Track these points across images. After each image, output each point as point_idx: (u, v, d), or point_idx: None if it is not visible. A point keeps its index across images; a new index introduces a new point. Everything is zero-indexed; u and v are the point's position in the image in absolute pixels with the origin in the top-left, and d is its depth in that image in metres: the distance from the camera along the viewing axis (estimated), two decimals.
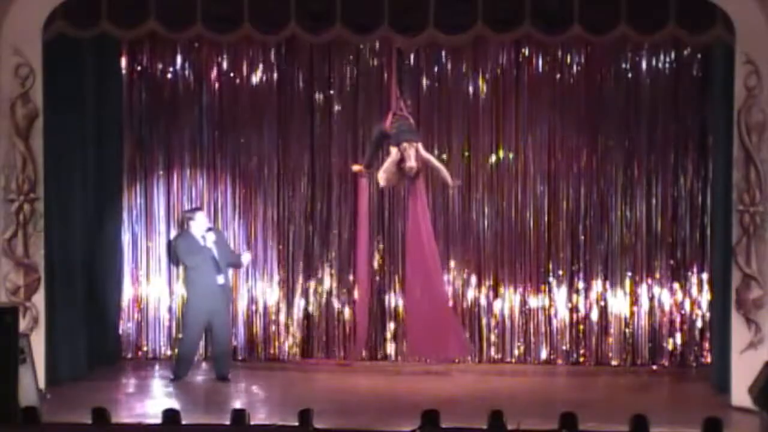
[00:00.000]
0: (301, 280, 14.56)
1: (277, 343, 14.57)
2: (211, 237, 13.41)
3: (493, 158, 14.38)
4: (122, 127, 14.37)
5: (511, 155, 14.34)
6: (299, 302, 14.56)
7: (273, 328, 14.56)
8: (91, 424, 9.07)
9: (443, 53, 14.32)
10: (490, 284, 14.41)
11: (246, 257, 13.84)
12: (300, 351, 14.54)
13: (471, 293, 14.44)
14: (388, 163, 13.27)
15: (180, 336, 13.82)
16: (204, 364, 13.86)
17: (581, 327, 14.36)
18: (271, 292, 14.56)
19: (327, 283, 14.54)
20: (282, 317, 14.57)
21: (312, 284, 14.56)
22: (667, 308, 14.24)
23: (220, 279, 13.31)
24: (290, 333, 14.57)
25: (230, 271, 13.91)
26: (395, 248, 14.42)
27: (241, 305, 14.51)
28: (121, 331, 14.51)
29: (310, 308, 14.56)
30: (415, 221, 13.57)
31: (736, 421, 11.21)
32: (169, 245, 14.01)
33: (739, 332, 12.07)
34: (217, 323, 13.38)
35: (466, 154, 14.43)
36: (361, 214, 13.90)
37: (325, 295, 14.55)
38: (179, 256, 13.48)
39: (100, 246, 13.98)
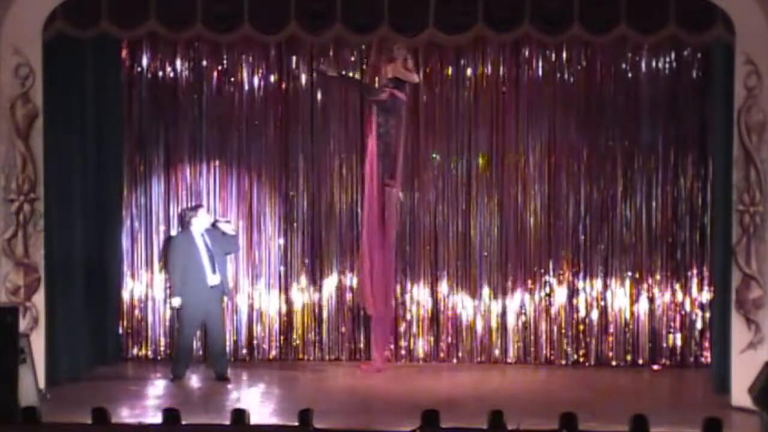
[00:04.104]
0: (302, 279, 14.56)
1: (277, 343, 14.57)
2: (227, 227, 13.46)
3: (493, 159, 14.42)
4: (122, 127, 14.38)
5: (510, 157, 14.36)
6: (300, 302, 14.56)
7: (274, 327, 14.57)
8: (91, 424, 9.07)
9: (443, 53, 14.32)
10: (491, 284, 14.41)
11: (227, 227, 13.67)
12: (300, 351, 14.55)
13: (471, 293, 14.43)
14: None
15: (177, 335, 13.86)
16: (203, 365, 13.84)
17: (581, 327, 14.36)
18: (273, 291, 14.56)
19: (329, 282, 14.54)
20: (283, 317, 14.57)
21: (314, 283, 14.56)
22: (667, 308, 14.25)
23: (213, 280, 13.30)
24: (291, 332, 14.57)
25: (229, 270, 13.95)
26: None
27: (242, 305, 14.52)
28: (121, 331, 14.52)
29: (312, 308, 14.56)
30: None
31: (736, 421, 11.22)
32: (167, 242, 14.01)
33: (739, 332, 12.07)
34: (211, 323, 13.41)
35: (466, 154, 14.44)
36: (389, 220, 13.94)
37: (327, 295, 14.54)
38: (170, 256, 13.51)
39: (100, 246, 13.98)
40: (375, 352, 14.00)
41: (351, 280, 14.49)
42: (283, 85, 14.52)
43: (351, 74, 14.36)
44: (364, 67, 14.20)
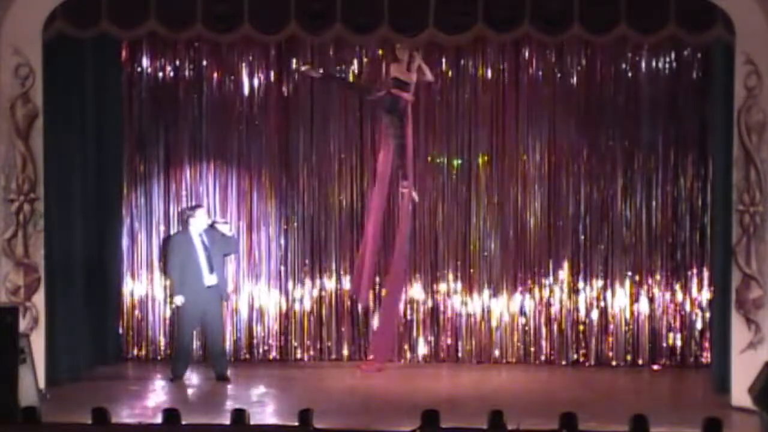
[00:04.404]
0: (302, 279, 14.56)
1: (277, 343, 14.57)
2: (225, 228, 13.47)
3: (494, 159, 14.43)
4: (122, 127, 14.38)
5: (510, 157, 14.37)
6: (300, 302, 14.56)
7: (274, 327, 14.57)
8: (91, 424, 9.07)
9: (443, 53, 14.32)
10: (491, 284, 14.41)
11: (225, 227, 13.67)
12: (300, 351, 14.55)
13: (471, 293, 14.43)
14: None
15: (175, 335, 13.87)
16: (203, 365, 13.84)
17: (581, 327, 14.36)
18: (273, 291, 14.56)
19: (328, 282, 14.54)
20: (283, 317, 14.57)
21: (314, 283, 14.55)
22: (667, 308, 14.24)
23: (210, 280, 13.30)
24: (291, 333, 14.57)
25: (228, 269, 13.95)
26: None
27: (242, 305, 14.52)
28: (121, 331, 14.52)
29: (313, 308, 14.56)
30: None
31: (736, 421, 11.22)
32: (166, 242, 14.00)
33: (739, 332, 12.07)
34: (209, 323, 13.41)
35: (466, 154, 14.44)
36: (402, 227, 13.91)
37: (327, 295, 14.54)
38: (168, 256, 13.52)
39: (100, 246, 13.98)
40: (376, 351, 14.00)
41: (351, 279, 14.50)
42: (283, 85, 14.52)
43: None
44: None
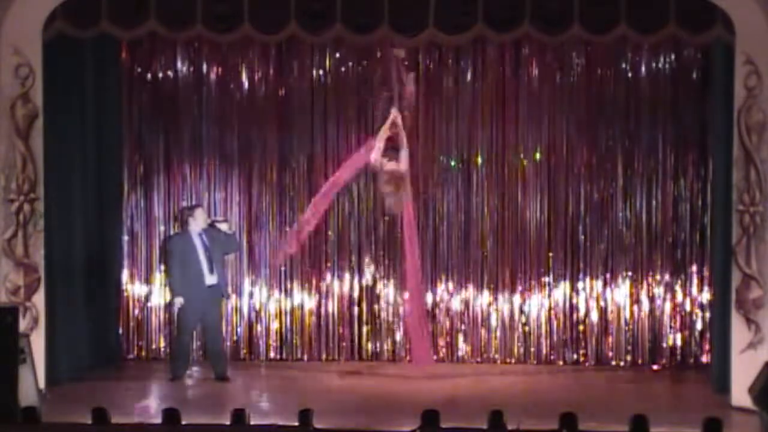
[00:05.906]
0: (303, 279, 14.55)
1: (277, 343, 14.57)
2: (224, 226, 13.47)
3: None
4: (122, 127, 14.38)
5: (510, 157, 14.38)
6: (300, 302, 14.56)
7: (273, 327, 14.57)
8: (91, 424, 9.08)
9: (443, 53, 14.32)
10: (491, 284, 14.41)
11: (224, 226, 13.67)
12: (300, 351, 14.55)
13: (471, 293, 14.44)
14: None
15: (174, 335, 13.86)
16: (203, 365, 13.84)
17: (581, 327, 14.36)
18: (273, 291, 14.56)
19: (328, 282, 14.54)
20: (283, 317, 14.57)
21: (314, 283, 14.55)
22: (667, 308, 14.25)
23: (210, 280, 13.31)
24: (291, 333, 14.57)
25: (228, 269, 13.95)
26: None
27: (243, 304, 14.52)
28: (121, 331, 14.52)
29: (312, 308, 14.56)
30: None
31: (736, 421, 11.22)
32: (165, 242, 13.99)
33: (739, 332, 12.07)
34: (208, 323, 13.42)
35: (466, 154, 14.44)
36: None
37: (327, 295, 14.54)
38: (168, 256, 13.51)
39: (100, 246, 13.98)
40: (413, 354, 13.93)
41: (351, 279, 14.49)
42: (283, 85, 14.52)
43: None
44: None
